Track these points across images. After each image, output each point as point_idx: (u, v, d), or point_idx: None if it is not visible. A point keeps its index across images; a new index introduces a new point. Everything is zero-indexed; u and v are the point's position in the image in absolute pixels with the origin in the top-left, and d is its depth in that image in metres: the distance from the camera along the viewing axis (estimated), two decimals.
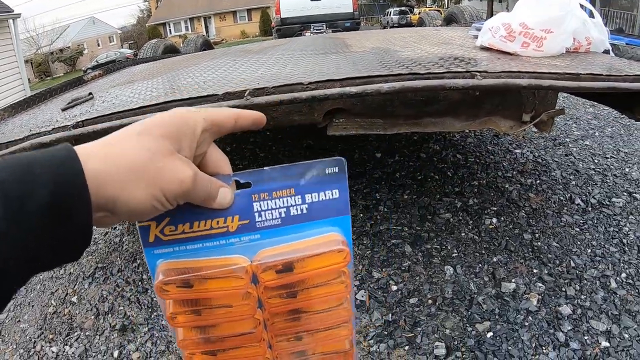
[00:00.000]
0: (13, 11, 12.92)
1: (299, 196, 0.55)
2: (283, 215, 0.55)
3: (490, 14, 27.65)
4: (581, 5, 1.96)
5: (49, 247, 0.39)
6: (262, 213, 0.54)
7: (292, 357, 0.63)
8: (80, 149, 0.42)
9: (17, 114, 2.51)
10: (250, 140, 4.07)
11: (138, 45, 42.73)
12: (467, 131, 3.73)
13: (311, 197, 0.55)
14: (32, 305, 2.53)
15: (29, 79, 14.20)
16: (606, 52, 2.12)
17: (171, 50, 5.28)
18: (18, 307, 2.49)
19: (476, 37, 2.28)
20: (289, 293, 0.57)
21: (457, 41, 2.51)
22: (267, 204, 0.54)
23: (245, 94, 1.43)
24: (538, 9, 1.91)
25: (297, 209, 0.55)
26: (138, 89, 2.12)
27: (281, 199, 0.54)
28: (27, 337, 2.22)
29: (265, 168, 0.54)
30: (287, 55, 2.44)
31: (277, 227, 0.55)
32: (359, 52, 2.30)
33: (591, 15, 2.08)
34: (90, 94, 2.24)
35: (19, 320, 2.37)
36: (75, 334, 2.19)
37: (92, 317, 2.28)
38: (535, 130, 1.81)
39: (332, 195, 0.55)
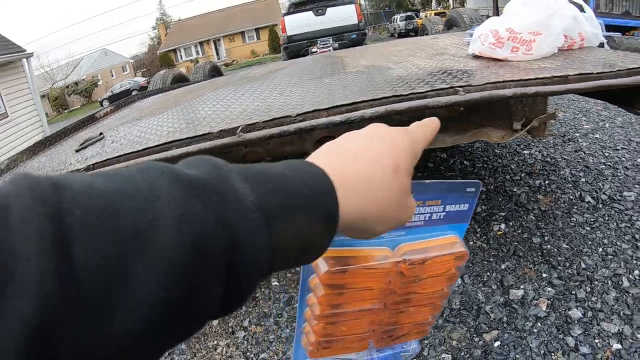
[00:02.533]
0: (25, 51, 13.20)
1: (442, 206, 0.65)
2: (426, 219, 0.65)
3: (496, 11, 27.39)
4: (571, 1, 1.96)
5: (286, 266, 0.43)
6: (414, 216, 0.63)
7: (390, 324, 0.74)
8: (337, 178, 0.44)
9: (34, 156, 2.59)
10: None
11: (151, 73, 43.29)
12: None
13: (450, 207, 0.66)
14: None
15: (46, 114, 14.50)
16: (601, 45, 2.11)
17: (180, 80, 5.36)
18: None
19: (470, 43, 2.29)
20: (415, 279, 0.68)
21: (451, 50, 2.53)
22: (419, 209, 0.63)
23: (238, 131, 1.49)
24: (525, 12, 1.91)
25: (437, 215, 0.65)
26: (145, 127, 2.18)
27: (430, 207, 0.64)
28: None
29: (426, 181, 0.61)
30: (285, 82, 2.49)
31: (418, 227, 0.65)
32: (353, 72, 2.34)
33: (582, 9, 2.08)
34: (101, 133, 2.31)
35: None
36: None
37: None
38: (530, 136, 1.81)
39: (463, 207, 0.66)
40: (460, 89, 1.44)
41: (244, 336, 2.10)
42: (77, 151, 2.16)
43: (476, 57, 2.10)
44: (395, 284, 0.67)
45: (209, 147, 1.51)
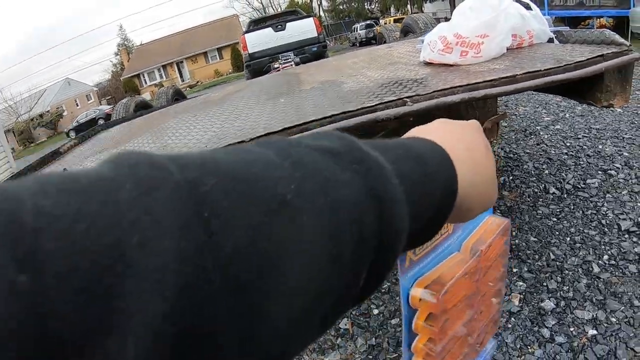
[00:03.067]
0: None
1: None
2: None
3: None
4: (517, 0, 2.00)
5: (416, 243, 0.42)
6: None
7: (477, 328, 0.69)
8: (450, 152, 0.43)
9: None
10: None
11: (116, 100, 42.74)
12: None
13: None
14: None
15: (13, 149, 14.21)
16: (550, 40, 2.15)
17: (143, 106, 5.31)
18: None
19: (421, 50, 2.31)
20: (485, 270, 0.65)
21: (405, 59, 2.56)
22: None
23: None
24: (470, 16, 1.94)
25: None
26: None
27: None
28: None
29: None
30: (242, 105, 2.49)
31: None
32: (307, 90, 2.35)
33: (528, 7, 2.12)
34: (65, 169, 2.27)
35: None
36: None
37: None
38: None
39: None
40: (408, 99, 1.46)
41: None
42: None
43: (427, 64, 2.13)
44: (478, 282, 0.65)
45: None
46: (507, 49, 1.99)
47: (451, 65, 1.95)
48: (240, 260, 0.23)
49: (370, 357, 1.88)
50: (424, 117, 1.70)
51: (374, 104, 1.50)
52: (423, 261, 0.56)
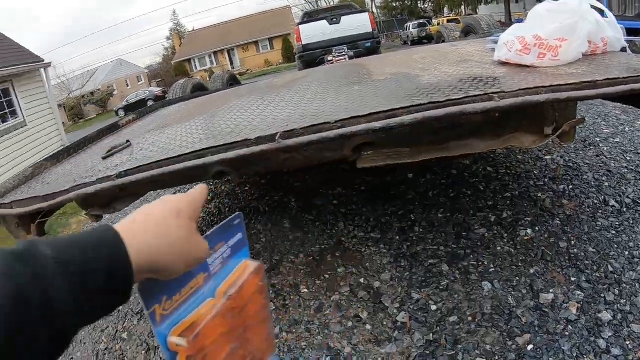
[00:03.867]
0: (43, 61, 13.32)
1: (226, 245, 0.76)
2: (222, 260, 0.75)
3: (509, 15, 27.33)
4: (592, 6, 1.97)
5: (98, 311, 0.52)
6: (212, 264, 0.73)
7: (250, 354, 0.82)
8: (126, 228, 0.56)
9: (59, 164, 2.63)
10: (284, 172, 4.14)
11: (166, 83, 43.55)
12: None
13: (231, 242, 0.77)
14: (84, 343, 2.64)
15: (63, 123, 14.62)
16: (623, 50, 2.11)
17: (199, 88, 5.41)
18: (70, 345, 2.59)
19: (494, 49, 2.29)
20: (242, 308, 0.78)
21: (476, 57, 2.55)
22: (214, 256, 0.73)
23: (277, 137, 1.52)
24: (549, 19, 1.92)
25: (226, 253, 0.76)
26: (173, 135, 2.21)
27: (220, 251, 0.74)
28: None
29: (207, 233, 0.71)
30: (312, 90, 2.51)
31: (219, 270, 0.75)
32: (381, 80, 2.36)
33: (603, 14, 2.09)
34: (128, 141, 2.34)
35: (72, 358, 2.48)
36: None
37: (143, 352, 2.38)
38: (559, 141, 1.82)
39: (239, 236, 0.79)
40: (495, 95, 1.46)
41: (275, 344, 2.12)
42: (104, 158, 2.20)
43: (503, 63, 2.11)
44: (235, 319, 0.77)
45: (247, 154, 1.54)
46: (582, 55, 1.97)
47: (527, 67, 1.93)
48: None
49: (427, 352, 1.88)
50: (509, 113, 1.72)
51: (460, 97, 1.50)
52: (175, 313, 0.66)
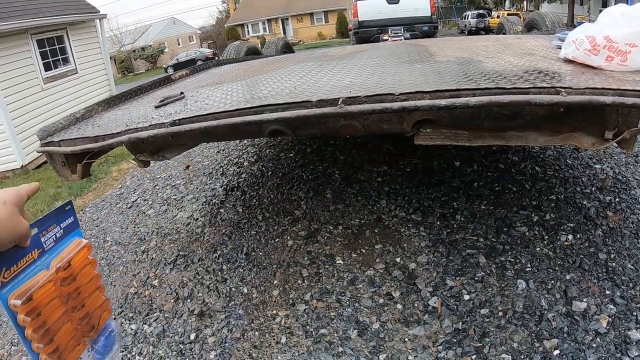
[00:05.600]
0: (99, 12, 13.53)
1: (58, 226, 0.90)
2: (55, 239, 0.89)
3: (571, 17, 26.56)
4: None
5: None
6: (46, 241, 0.87)
7: (84, 320, 0.96)
8: None
9: (109, 109, 2.67)
10: (331, 143, 4.16)
11: (217, 45, 43.87)
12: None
13: (63, 224, 0.92)
14: (114, 285, 2.72)
15: (112, 75, 14.88)
16: None
17: (253, 52, 5.43)
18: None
19: (559, 47, 2.22)
20: (73, 277, 0.92)
21: (541, 52, 2.48)
22: (45, 236, 0.87)
23: (339, 102, 1.51)
24: (622, 22, 1.85)
25: (59, 233, 0.90)
26: (229, 91, 2.22)
27: (51, 231, 0.89)
28: None
29: (39, 219, 0.86)
30: (373, 63, 2.49)
31: (53, 246, 0.89)
32: (444, 61, 2.32)
33: None
34: (181, 93, 2.36)
35: None
36: (155, 314, 2.33)
37: (172, 300, 2.43)
38: (617, 147, 1.77)
39: (70, 220, 0.94)
40: (562, 90, 1.43)
41: (305, 309, 2.14)
42: (157, 107, 2.22)
43: (568, 61, 2.06)
44: (66, 288, 0.90)
45: (306, 115, 1.54)
46: None
47: (593, 68, 1.88)
48: None
49: (455, 340, 1.88)
50: (572, 111, 1.67)
51: (526, 86, 1.47)
52: (14, 281, 0.79)
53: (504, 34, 5.68)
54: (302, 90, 1.83)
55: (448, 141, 1.67)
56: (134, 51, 44.73)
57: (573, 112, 1.66)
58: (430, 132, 1.67)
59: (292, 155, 4.12)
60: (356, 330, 1.98)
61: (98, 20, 13.56)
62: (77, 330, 0.94)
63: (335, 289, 2.24)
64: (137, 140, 1.83)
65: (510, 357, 1.76)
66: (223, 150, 4.69)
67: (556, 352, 1.75)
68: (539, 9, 33.14)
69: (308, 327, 2.04)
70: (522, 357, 1.76)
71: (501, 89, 1.45)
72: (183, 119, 1.77)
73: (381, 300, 2.13)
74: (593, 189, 2.93)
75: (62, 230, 0.91)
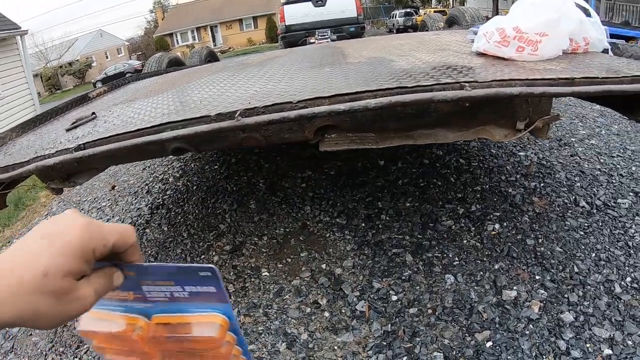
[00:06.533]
0: (20, 28, 13.03)
1: (179, 286, 0.63)
2: (169, 295, 0.63)
3: (496, 12, 27.42)
4: (577, 5, 1.94)
5: None
6: (151, 292, 0.63)
7: None
8: None
9: (24, 134, 2.55)
10: (255, 152, 4.10)
11: (146, 56, 42.90)
12: None
13: (191, 289, 0.63)
14: None
15: (39, 93, 14.36)
16: (605, 51, 2.09)
17: (176, 63, 5.33)
18: None
19: (473, 40, 2.26)
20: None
21: (454, 47, 2.50)
22: (154, 287, 0.63)
23: (236, 115, 1.45)
24: (532, 12, 1.88)
25: (179, 294, 0.63)
26: (138, 108, 2.14)
27: (165, 287, 0.62)
28: (39, 350, 2.24)
29: (146, 265, 0.61)
30: (283, 69, 2.46)
31: (166, 302, 0.64)
32: (354, 63, 2.31)
33: (588, 14, 2.06)
34: (93, 113, 2.27)
35: (31, 334, 2.40)
36: (85, 346, 2.21)
37: None
38: (532, 136, 1.79)
39: (209, 289, 0.63)
40: (467, 84, 1.42)
41: None
42: (67, 130, 2.12)
43: (480, 54, 2.08)
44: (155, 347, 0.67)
45: (205, 131, 1.48)
46: (563, 52, 1.93)
47: (505, 59, 1.89)
48: None
49: (384, 343, 1.85)
50: (480, 104, 1.67)
51: (430, 83, 1.46)
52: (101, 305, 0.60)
53: (427, 30, 5.77)
54: (206, 104, 1.77)
55: (354, 145, 1.64)
56: (61, 67, 43.13)
57: (481, 105, 1.66)
58: (335, 137, 1.64)
59: (216, 167, 4.03)
60: (285, 343, 1.93)
61: (19, 37, 13.03)
62: None
63: (262, 302, 2.18)
64: (45, 169, 1.73)
65: (442, 354, 1.75)
66: (149, 167, 4.56)
67: (489, 343, 1.75)
68: (464, 5, 34.15)
69: None
70: (454, 353, 1.75)
71: (403, 88, 1.43)
72: (87, 142, 1.69)
73: (308, 310, 2.09)
74: (518, 176, 2.99)
75: (185, 293, 0.64)
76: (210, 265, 0.63)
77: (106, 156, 1.67)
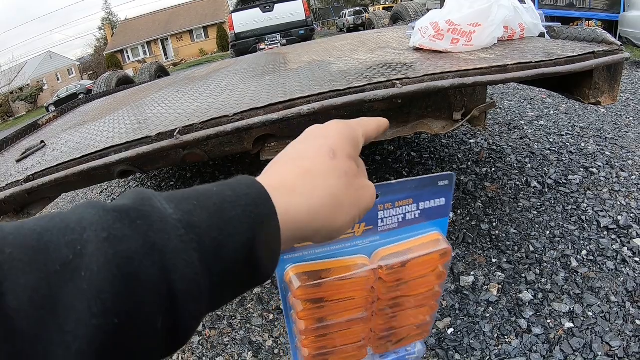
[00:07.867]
0: None
1: (415, 204, 0.63)
2: (400, 220, 0.63)
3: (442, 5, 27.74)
4: None
5: (227, 295, 0.40)
6: (385, 219, 0.62)
7: (384, 330, 0.73)
8: (275, 182, 0.43)
9: None
10: (210, 164, 4.08)
11: (98, 75, 42.18)
12: None
13: (424, 205, 0.64)
14: None
15: None
16: (542, 35, 2.14)
17: (125, 82, 5.25)
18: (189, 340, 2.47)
19: (411, 36, 2.29)
20: (398, 284, 0.66)
21: (394, 44, 2.54)
22: (390, 212, 0.62)
23: (175, 133, 1.45)
24: (464, 4, 1.92)
25: (412, 215, 0.64)
26: (86, 133, 2.12)
27: (402, 207, 0.62)
28: None
29: (392, 182, 0.60)
30: (226, 81, 2.45)
31: (393, 229, 0.64)
32: (294, 69, 2.32)
33: (522, 0, 2.11)
34: (42, 142, 2.24)
35: None
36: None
37: None
38: (470, 126, 1.83)
39: (439, 202, 0.64)
40: (398, 81, 1.44)
41: (199, 341, 2.06)
42: (18, 161, 2.09)
43: (417, 49, 2.11)
44: (378, 290, 0.66)
45: (147, 152, 1.48)
46: (498, 40, 1.98)
47: (441, 52, 1.93)
48: (24, 315, 0.27)
49: None
50: (414, 100, 1.70)
51: (362, 84, 1.48)
52: (307, 250, 0.59)
53: (373, 28, 5.81)
54: (149, 124, 1.76)
55: None
56: (12, 93, 42.11)
57: (415, 100, 1.69)
58: (275, 145, 1.65)
59: (172, 183, 4.00)
60: (250, 352, 1.92)
61: None
62: (365, 338, 0.71)
63: (226, 314, 2.17)
64: None
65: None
66: (106, 189, 4.49)
67: (450, 330, 1.78)
68: (412, 0, 34.39)
69: (204, 358, 1.96)
70: None
71: (335, 92, 1.45)
72: (36, 173, 1.67)
73: (271, 316, 2.09)
74: (469, 163, 3.04)
75: (417, 212, 0.63)
76: (449, 172, 0.63)
77: (56, 185, 1.65)
